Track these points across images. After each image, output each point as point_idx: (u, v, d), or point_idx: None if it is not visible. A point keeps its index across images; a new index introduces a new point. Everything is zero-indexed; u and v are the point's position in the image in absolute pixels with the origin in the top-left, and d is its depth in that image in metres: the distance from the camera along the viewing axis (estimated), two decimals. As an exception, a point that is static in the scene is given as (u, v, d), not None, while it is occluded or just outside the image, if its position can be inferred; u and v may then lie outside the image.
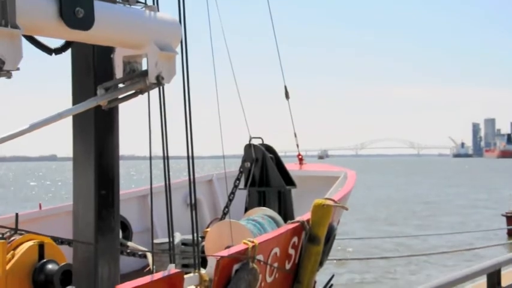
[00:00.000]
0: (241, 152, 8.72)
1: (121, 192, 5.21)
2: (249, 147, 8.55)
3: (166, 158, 4.81)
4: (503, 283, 11.38)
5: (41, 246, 5.55)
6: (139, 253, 7.23)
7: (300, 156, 10.58)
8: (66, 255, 5.69)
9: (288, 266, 6.66)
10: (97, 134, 4.78)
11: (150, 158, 5.04)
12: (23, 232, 5.78)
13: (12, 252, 5.47)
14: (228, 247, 6.03)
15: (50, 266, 5.49)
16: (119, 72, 4.43)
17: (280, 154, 8.89)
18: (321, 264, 6.99)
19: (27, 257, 5.47)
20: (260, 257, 5.90)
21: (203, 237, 7.06)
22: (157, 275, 4.79)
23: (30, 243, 5.54)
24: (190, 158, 5.11)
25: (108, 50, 4.49)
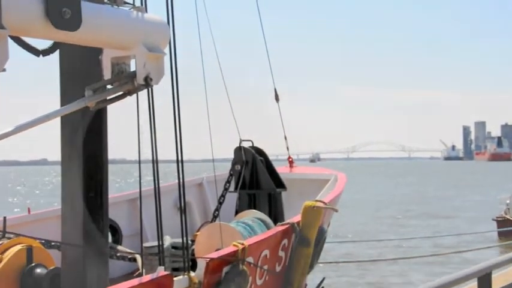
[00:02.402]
0: (232, 155, 8.70)
1: (111, 195, 5.18)
2: (239, 149, 8.54)
3: (155, 161, 4.78)
4: (494, 286, 11.42)
5: (30, 250, 5.50)
6: (129, 257, 7.19)
7: (290, 159, 10.57)
8: (55, 259, 5.65)
9: (278, 269, 6.64)
10: (85, 136, 4.75)
11: (140, 160, 5.01)
12: (11, 236, 5.74)
13: (-1, 256, 5.42)
14: (218, 250, 6.01)
15: (38, 270, 5.44)
16: (107, 74, 4.40)
17: (271, 158, 8.87)
18: (311, 266, 6.98)
19: (16, 261, 5.41)
20: (250, 259, 5.88)
21: (193, 241, 7.03)
22: (146, 278, 4.77)
23: (18, 247, 5.49)
24: (180, 161, 5.08)
25: (96, 51, 4.46)
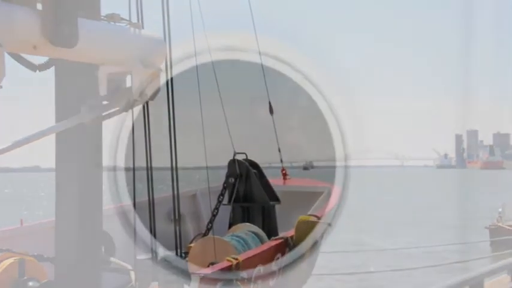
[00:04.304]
0: (224, 163, 8.67)
1: (104, 207, 5.17)
2: (233, 162, 8.52)
3: (150, 177, 4.78)
4: (486, 295, 11.42)
5: (22, 263, 5.45)
6: (122, 269, 7.15)
7: (284, 171, 10.51)
8: (49, 272, 5.61)
9: (271, 283, 6.63)
10: (80, 150, 4.74)
11: (134, 173, 5.01)
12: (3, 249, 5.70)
13: (-9, 269, 5.38)
14: (211, 263, 6.00)
15: (30, 284, 5.40)
16: (103, 90, 4.40)
17: (264, 165, 8.85)
18: (304, 280, 6.98)
19: (7, 275, 5.37)
20: (244, 274, 5.87)
21: (187, 253, 7.01)
22: None
23: (10, 260, 5.44)
24: (175, 175, 5.08)
25: (92, 67, 4.46)
